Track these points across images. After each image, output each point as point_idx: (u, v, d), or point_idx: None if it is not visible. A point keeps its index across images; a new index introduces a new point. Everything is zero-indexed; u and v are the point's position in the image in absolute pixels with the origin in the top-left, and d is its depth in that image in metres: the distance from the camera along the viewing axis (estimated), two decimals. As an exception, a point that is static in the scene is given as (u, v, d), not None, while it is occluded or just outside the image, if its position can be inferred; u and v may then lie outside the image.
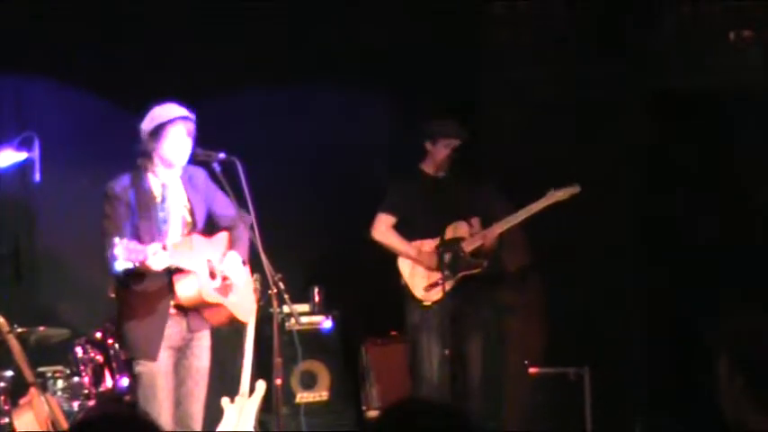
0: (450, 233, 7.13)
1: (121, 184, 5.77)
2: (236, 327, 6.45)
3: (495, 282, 7.65)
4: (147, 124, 5.82)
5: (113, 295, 6.11)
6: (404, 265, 7.15)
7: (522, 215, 7.12)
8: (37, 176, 6.38)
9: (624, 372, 7.98)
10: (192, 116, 5.84)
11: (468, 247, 7.13)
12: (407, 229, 7.19)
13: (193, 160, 5.91)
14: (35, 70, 7.70)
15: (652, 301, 8.03)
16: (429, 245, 7.10)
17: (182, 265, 5.66)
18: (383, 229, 7.21)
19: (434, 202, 7.14)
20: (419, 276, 7.10)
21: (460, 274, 7.07)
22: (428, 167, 7.27)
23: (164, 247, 5.50)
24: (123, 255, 5.31)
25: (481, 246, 7.14)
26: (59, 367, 6.90)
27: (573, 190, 7.14)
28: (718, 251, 7.70)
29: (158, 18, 7.79)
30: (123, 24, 7.69)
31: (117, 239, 5.33)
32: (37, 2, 7.54)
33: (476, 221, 7.28)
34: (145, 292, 5.73)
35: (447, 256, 7.01)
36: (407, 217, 7.21)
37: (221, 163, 5.86)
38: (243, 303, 6.04)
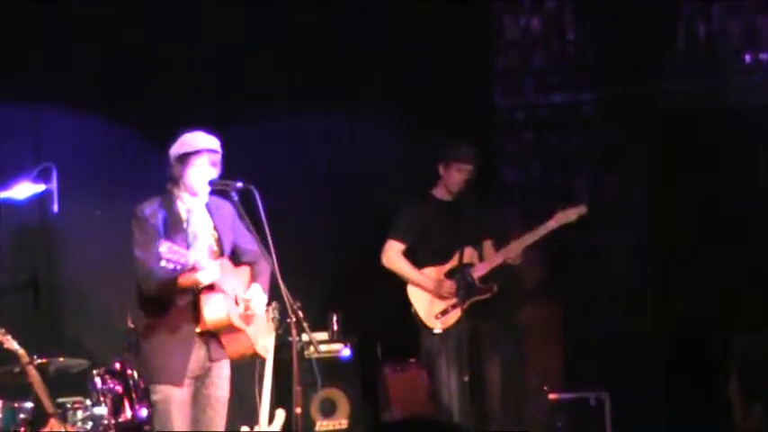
0: (458, 259, 7.06)
1: (151, 206, 5.81)
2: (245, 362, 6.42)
3: (512, 302, 7.61)
4: (175, 150, 5.86)
5: (132, 325, 6.12)
6: (413, 293, 7.10)
7: (530, 238, 7.03)
8: (55, 207, 6.41)
9: (644, 396, 7.95)
10: (219, 148, 5.86)
11: (478, 273, 7.06)
12: (417, 255, 7.14)
13: (212, 189, 5.92)
14: (52, 101, 7.72)
15: (672, 326, 8.01)
16: (437, 271, 7.05)
17: (216, 283, 5.70)
18: (392, 255, 7.16)
19: (444, 227, 7.08)
20: (429, 303, 7.05)
21: (470, 301, 7.01)
22: (439, 192, 7.21)
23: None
24: (167, 254, 5.37)
25: (493, 270, 7.08)
26: (79, 398, 6.88)
27: (580, 210, 7.03)
28: (738, 274, 7.68)
29: (176, 47, 7.84)
30: (141, 53, 7.72)
31: (163, 240, 5.43)
32: (54, 31, 7.58)
33: (488, 245, 7.21)
34: (170, 315, 5.74)
35: (456, 283, 6.97)
36: (417, 243, 7.15)
37: (239, 192, 5.86)
38: (262, 337, 6.05)
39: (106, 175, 7.82)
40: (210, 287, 5.71)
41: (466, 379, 6.93)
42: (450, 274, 6.99)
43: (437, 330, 6.99)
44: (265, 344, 6.15)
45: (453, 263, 7.04)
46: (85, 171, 7.69)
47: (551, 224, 7.00)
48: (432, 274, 7.06)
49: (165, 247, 5.38)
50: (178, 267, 5.47)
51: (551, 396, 7.81)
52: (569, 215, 7.00)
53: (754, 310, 7.29)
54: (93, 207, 7.63)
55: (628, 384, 7.79)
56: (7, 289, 7.48)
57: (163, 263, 5.40)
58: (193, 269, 5.57)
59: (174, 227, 5.78)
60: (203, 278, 5.62)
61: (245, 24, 8.02)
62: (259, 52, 8.03)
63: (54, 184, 6.37)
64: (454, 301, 6.94)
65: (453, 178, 7.12)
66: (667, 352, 8.04)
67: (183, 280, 5.63)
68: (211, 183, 5.87)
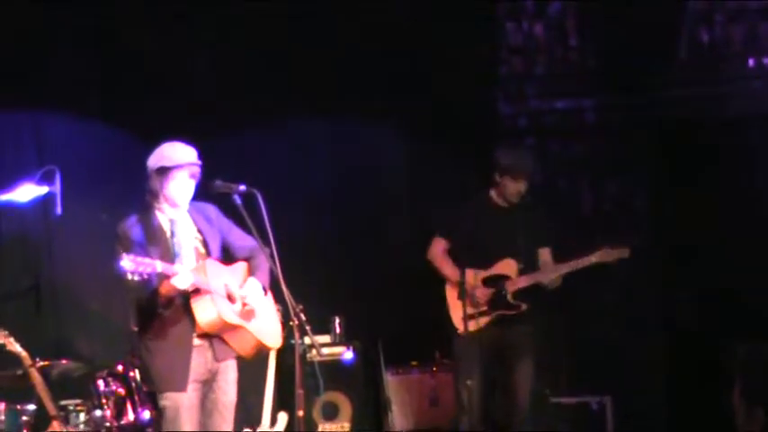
0: (498, 269, 7.03)
1: (129, 223, 5.80)
2: (257, 357, 6.43)
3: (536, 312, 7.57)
4: (153, 162, 5.84)
5: (136, 329, 6.13)
6: (450, 292, 7.07)
7: (568, 267, 6.98)
8: (58, 210, 6.41)
9: (646, 401, 7.95)
10: (198, 160, 5.86)
11: (512, 287, 7.02)
12: (461, 256, 7.07)
13: (214, 192, 5.91)
14: (55, 104, 7.74)
15: (674, 331, 8.01)
16: (475, 276, 6.99)
17: (198, 285, 5.69)
18: (437, 251, 7.13)
19: (493, 232, 7.00)
20: (461, 305, 7.00)
21: (496, 313, 6.98)
22: (495, 196, 7.15)
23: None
24: (130, 267, 5.35)
25: (528, 287, 7.03)
26: (81, 400, 6.89)
27: (622, 252, 7.00)
28: (742, 280, 7.68)
29: (180, 53, 7.85)
30: (145, 59, 7.74)
31: (124, 254, 5.39)
32: (57, 35, 7.60)
33: (545, 252, 7.13)
34: (165, 322, 5.73)
35: (490, 292, 6.95)
36: (462, 243, 7.09)
37: (242, 195, 5.86)
38: (267, 329, 6.02)
39: (109, 178, 7.83)
40: (197, 290, 5.71)
41: (468, 383, 6.91)
42: (486, 282, 6.98)
43: (461, 331, 6.94)
44: (275, 335, 6.11)
45: (492, 270, 7.01)
46: (88, 174, 7.70)
47: (592, 258, 6.94)
48: (470, 277, 7.00)
49: (126, 261, 5.36)
50: (145, 277, 5.46)
51: (553, 400, 7.81)
52: (611, 254, 6.96)
53: (755, 316, 7.29)
54: (95, 210, 7.63)
55: (629, 389, 7.79)
56: (10, 291, 7.49)
57: (129, 276, 5.40)
58: (166, 276, 5.58)
59: (153, 239, 5.76)
60: (178, 283, 5.59)
61: (245, 27, 8.03)
62: (259, 55, 8.03)
63: (57, 187, 6.37)
64: (483, 308, 6.92)
65: (509, 188, 7.06)
66: (668, 356, 8.04)
67: (163, 288, 5.63)
68: (214, 186, 5.87)
